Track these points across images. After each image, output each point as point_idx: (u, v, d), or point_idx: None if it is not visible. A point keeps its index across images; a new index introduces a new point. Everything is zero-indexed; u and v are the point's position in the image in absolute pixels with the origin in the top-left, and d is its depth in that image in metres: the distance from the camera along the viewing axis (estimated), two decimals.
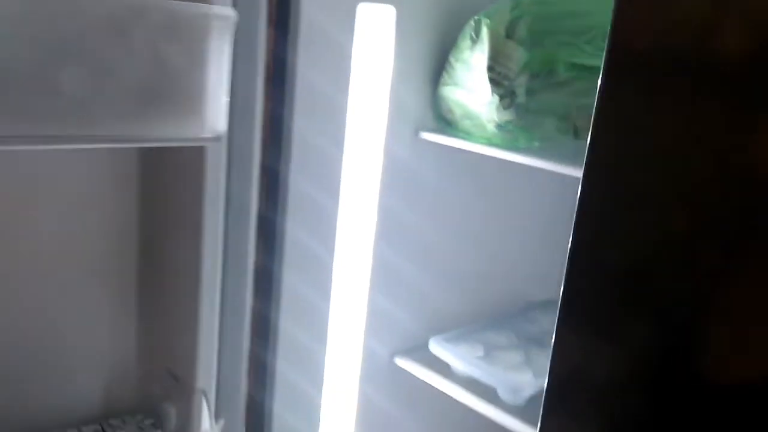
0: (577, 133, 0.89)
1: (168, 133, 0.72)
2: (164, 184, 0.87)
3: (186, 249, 0.83)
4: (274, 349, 0.84)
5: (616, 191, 0.51)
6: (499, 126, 0.80)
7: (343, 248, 0.87)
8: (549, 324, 1.04)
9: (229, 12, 0.71)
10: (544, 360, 0.92)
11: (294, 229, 0.81)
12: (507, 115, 0.79)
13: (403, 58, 0.85)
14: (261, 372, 0.86)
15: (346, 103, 0.82)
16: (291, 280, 0.83)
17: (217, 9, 0.71)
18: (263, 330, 0.85)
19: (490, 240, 1.06)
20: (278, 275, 0.82)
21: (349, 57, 0.81)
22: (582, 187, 0.52)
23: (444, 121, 0.90)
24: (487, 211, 1.03)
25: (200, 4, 0.70)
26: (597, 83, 0.88)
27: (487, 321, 1.02)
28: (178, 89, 0.70)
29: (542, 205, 1.15)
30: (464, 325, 1.02)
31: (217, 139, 0.73)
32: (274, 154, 0.79)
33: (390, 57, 0.84)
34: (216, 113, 0.72)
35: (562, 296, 0.59)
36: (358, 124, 0.84)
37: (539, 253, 1.18)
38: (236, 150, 0.80)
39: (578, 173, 0.75)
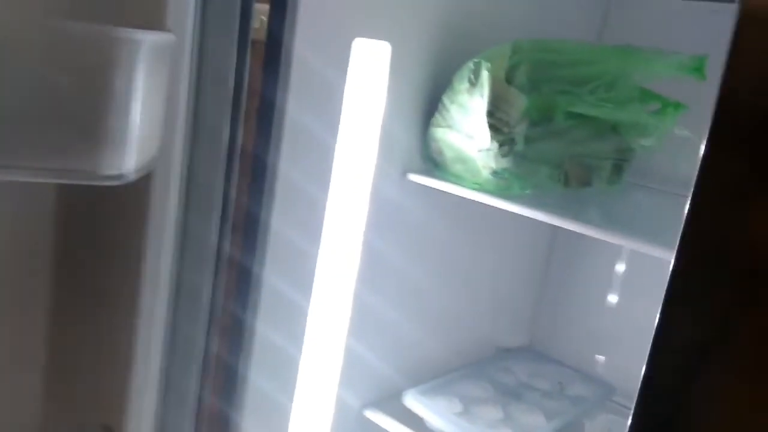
0: (567, 182, 0.87)
1: (52, 165, 0.60)
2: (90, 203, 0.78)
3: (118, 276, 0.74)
4: (239, 399, 0.77)
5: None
6: (495, 173, 0.77)
7: (322, 293, 0.81)
8: (524, 375, 1.01)
9: (140, 36, 0.58)
10: (522, 416, 0.89)
11: (270, 273, 0.75)
12: (504, 163, 0.75)
13: (395, 95, 0.81)
14: (220, 423, 0.79)
15: (335, 142, 0.78)
16: (262, 325, 0.77)
17: (122, 33, 0.58)
18: (226, 376, 0.78)
19: (469, 283, 1.02)
20: (250, 322, 0.75)
21: (341, 93, 0.76)
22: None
23: (432, 162, 0.86)
24: (468, 253, 1.00)
25: (104, 26, 0.59)
26: (592, 131, 0.87)
27: (461, 370, 0.98)
28: (68, 120, 0.59)
29: (522, 251, 1.13)
30: (435, 372, 0.97)
31: (119, 177, 0.62)
32: (255, 194, 0.73)
33: (383, 94, 0.80)
34: (122, 150, 0.61)
35: None
36: (345, 163, 0.79)
37: (512, 300, 1.16)
38: (199, 187, 0.74)
39: (568, 224, 0.73)
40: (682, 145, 0.82)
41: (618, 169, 0.95)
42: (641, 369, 1.06)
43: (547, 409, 0.89)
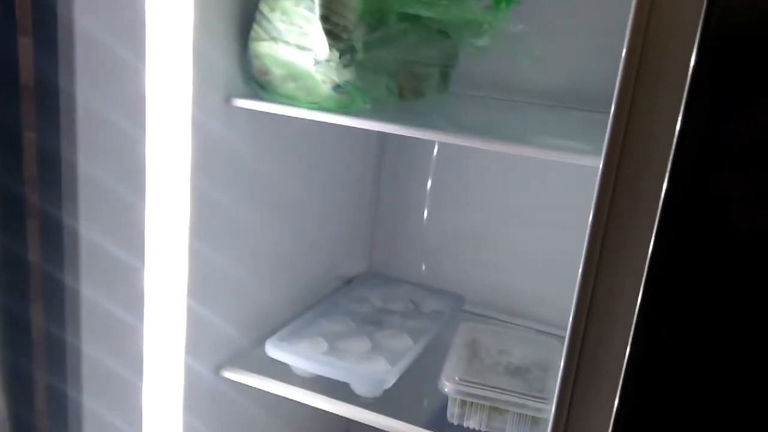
0: (402, 94, 0.82)
1: None
2: None
3: None
4: (75, 376, 0.63)
5: None
6: (338, 87, 0.69)
7: (153, 250, 0.68)
8: (378, 301, 0.98)
9: None
10: (389, 342, 0.86)
11: (88, 229, 0.61)
12: (347, 75, 0.68)
13: (202, 8, 0.68)
14: (58, 403, 0.64)
15: (143, 70, 0.64)
16: (88, 289, 0.62)
17: None
18: (56, 352, 0.63)
19: (304, 216, 0.95)
20: (71, 284, 0.61)
21: (141, 12, 0.62)
22: None
23: (257, 83, 0.75)
24: (300, 184, 0.92)
25: None
26: (423, 35, 0.82)
27: (316, 309, 0.92)
28: None
29: (352, 175, 1.08)
30: (286, 316, 0.90)
31: None
32: (50, 131, 0.57)
33: (188, 9, 0.67)
34: None
35: None
36: (158, 96, 0.66)
37: (349, 227, 1.11)
38: None
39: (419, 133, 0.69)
40: (516, 42, 0.81)
41: (444, 77, 0.92)
42: (482, 274, 1.08)
43: (410, 330, 0.87)
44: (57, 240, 0.59)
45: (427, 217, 1.10)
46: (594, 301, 0.57)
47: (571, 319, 0.57)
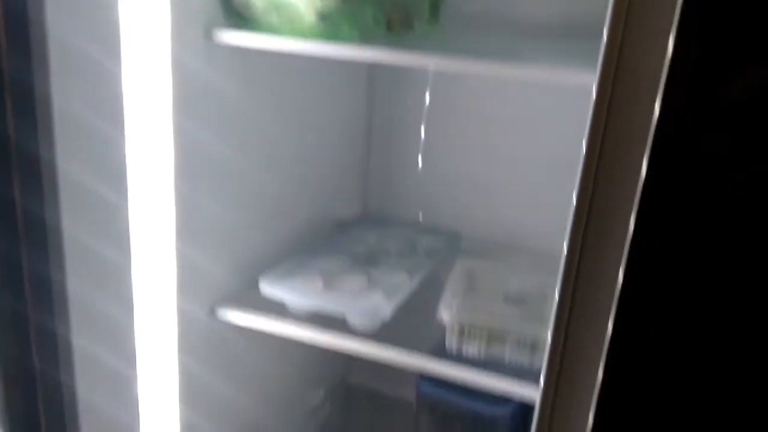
0: (390, 25, 0.80)
1: None
2: None
3: None
4: (63, 315, 0.62)
5: None
6: (322, 16, 0.67)
7: (138, 192, 0.67)
8: (373, 241, 0.97)
9: None
10: (388, 278, 0.85)
11: (71, 170, 0.59)
12: (331, 3, 0.66)
13: None
14: (47, 341, 0.63)
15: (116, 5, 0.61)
16: (71, 228, 0.61)
17: None
18: (43, 291, 0.62)
19: (296, 158, 0.94)
20: (52, 222, 0.60)
21: None
22: None
23: (238, 17, 0.73)
24: (289, 127, 0.91)
25: None
26: None
27: (311, 249, 0.91)
28: None
29: (344, 116, 1.06)
30: (281, 259, 0.90)
31: None
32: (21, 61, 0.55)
33: None
34: None
35: None
36: (136, 32, 0.64)
37: (342, 169, 1.10)
38: None
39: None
40: None
41: (435, 8, 0.90)
42: (479, 213, 1.07)
43: (407, 266, 0.87)
44: (35, 176, 0.57)
45: (422, 158, 1.09)
46: (588, 227, 0.57)
47: (566, 244, 0.57)
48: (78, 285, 0.62)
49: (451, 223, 1.05)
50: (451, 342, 0.74)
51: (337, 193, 1.08)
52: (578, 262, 0.59)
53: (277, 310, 0.81)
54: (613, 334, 0.59)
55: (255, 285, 0.82)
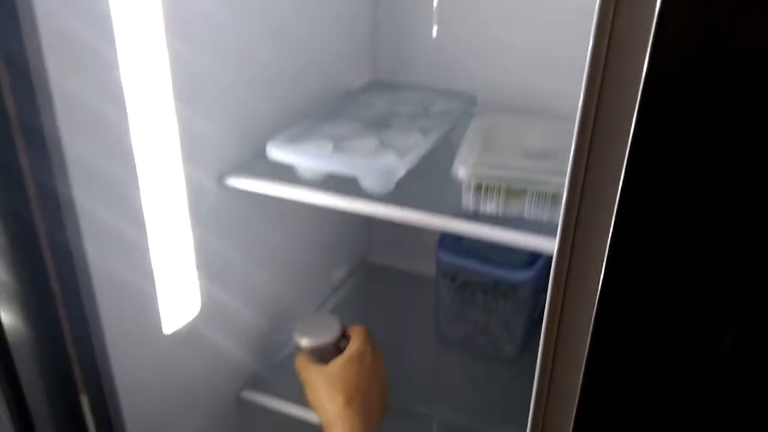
0: None
1: None
2: None
3: None
4: (62, 171, 0.60)
5: None
6: None
7: (129, 45, 0.63)
8: (384, 106, 0.92)
9: None
10: (401, 140, 0.81)
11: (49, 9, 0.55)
12: None
13: None
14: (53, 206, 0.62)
15: None
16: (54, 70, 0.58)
17: None
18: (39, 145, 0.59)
19: (300, 21, 0.88)
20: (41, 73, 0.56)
21: None
22: None
23: None
24: None
25: None
26: None
27: (319, 115, 0.87)
28: None
29: None
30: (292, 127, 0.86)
31: None
32: None
33: None
34: None
35: None
36: None
37: (350, 36, 1.04)
38: None
39: None
40: None
41: None
42: (494, 76, 1.01)
43: (420, 128, 0.82)
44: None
45: (434, 22, 1.02)
46: (604, 83, 0.52)
47: (581, 101, 0.52)
48: (73, 139, 0.59)
49: (466, 88, 0.99)
50: (468, 199, 0.71)
51: (346, 60, 1.03)
52: (594, 119, 0.55)
53: (287, 176, 0.78)
54: (624, 184, 0.56)
55: (263, 155, 0.79)
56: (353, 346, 0.82)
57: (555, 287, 0.57)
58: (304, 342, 0.84)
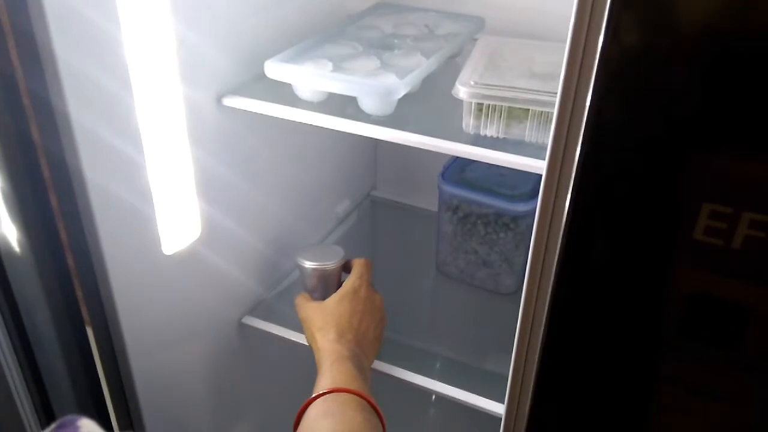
0: None
1: None
2: None
3: None
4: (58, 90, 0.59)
5: None
6: None
7: None
8: (389, 27, 0.90)
9: None
10: (400, 60, 0.79)
11: None
12: None
13: None
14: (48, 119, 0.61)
15: None
16: None
17: None
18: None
19: None
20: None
21: None
22: None
23: None
24: None
25: None
26: None
27: (318, 36, 0.85)
28: None
29: None
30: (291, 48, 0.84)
31: None
32: None
33: None
34: None
35: None
36: None
37: None
38: None
39: None
40: None
41: None
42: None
43: (423, 50, 0.80)
44: None
45: None
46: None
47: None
48: (69, 55, 0.58)
49: (474, 11, 0.96)
50: (468, 121, 0.69)
51: None
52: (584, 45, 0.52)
53: (286, 97, 0.77)
54: None
55: (263, 78, 0.77)
56: (348, 283, 0.83)
57: (543, 209, 0.56)
58: (308, 264, 0.85)
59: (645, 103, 0.49)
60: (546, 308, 0.57)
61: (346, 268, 0.87)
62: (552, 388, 0.62)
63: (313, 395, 0.69)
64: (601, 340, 0.58)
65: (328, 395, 0.68)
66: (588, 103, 0.50)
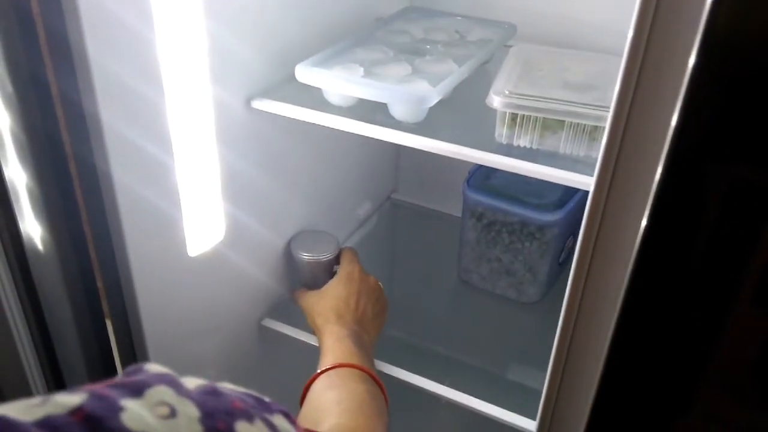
0: None
1: None
2: None
3: None
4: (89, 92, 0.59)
5: None
6: None
7: None
8: (419, 32, 0.89)
9: None
10: (431, 67, 0.78)
11: None
12: None
13: None
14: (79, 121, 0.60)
15: None
16: None
17: None
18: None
19: None
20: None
21: None
22: None
23: None
24: None
25: None
26: None
27: (350, 40, 0.84)
28: None
29: None
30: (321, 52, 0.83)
31: None
32: None
33: None
34: None
35: None
36: None
37: None
38: None
39: None
40: None
41: None
42: (536, 4, 0.96)
43: (455, 56, 0.79)
44: None
45: None
46: (656, 17, 0.48)
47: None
48: (101, 56, 0.57)
49: (505, 17, 0.95)
50: (502, 131, 0.68)
51: None
52: (645, 48, 0.51)
53: (316, 101, 0.76)
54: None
55: (293, 80, 0.76)
56: (341, 269, 0.88)
57: (589, 223, 0.54)
58: (305, 256, 0.90)
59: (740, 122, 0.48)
60: (609, 337, 0.55)
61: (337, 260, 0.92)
62: (608, 419, 0.60)
63: (317, 371, 0.73)
64: (668, 373, 0.57)
65: (331, 370, 0.72)
66: (674, 122, 0.48)
